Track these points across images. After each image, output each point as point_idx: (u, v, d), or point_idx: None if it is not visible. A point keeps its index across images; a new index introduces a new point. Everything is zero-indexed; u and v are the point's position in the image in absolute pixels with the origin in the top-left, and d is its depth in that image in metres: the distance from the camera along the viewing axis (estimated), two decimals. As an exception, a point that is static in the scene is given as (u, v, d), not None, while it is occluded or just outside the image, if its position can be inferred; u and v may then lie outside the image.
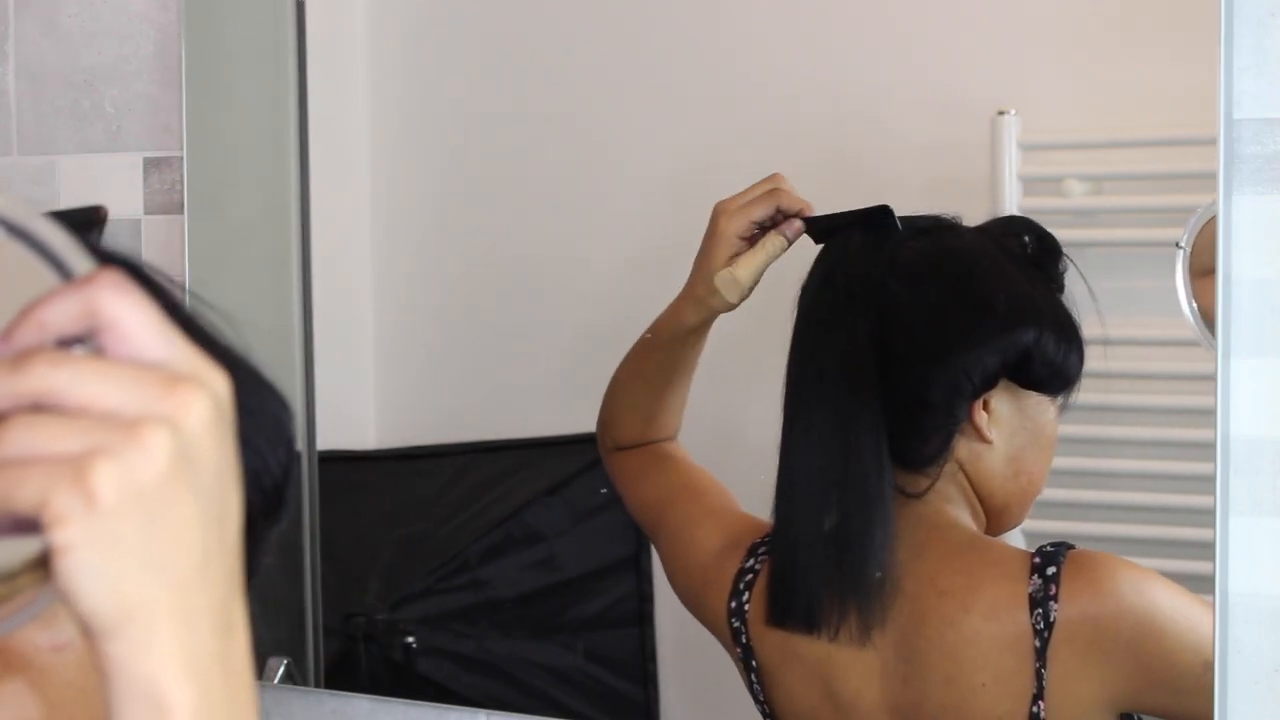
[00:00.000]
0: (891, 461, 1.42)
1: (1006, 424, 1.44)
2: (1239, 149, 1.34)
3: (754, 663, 1.50)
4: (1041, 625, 1.33)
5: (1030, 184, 1.73)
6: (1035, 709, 1.33)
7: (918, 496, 1.43)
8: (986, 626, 1.35)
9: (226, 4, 1.92)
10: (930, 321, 1.44)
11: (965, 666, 1.35)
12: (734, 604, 1.51)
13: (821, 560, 1.41)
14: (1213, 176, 1.39)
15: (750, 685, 1.51)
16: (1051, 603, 1.33)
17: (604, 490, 1.86)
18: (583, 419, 1.91)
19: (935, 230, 1.49)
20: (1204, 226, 1.42)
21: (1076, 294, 1.48)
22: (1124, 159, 1.73)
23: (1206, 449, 1.42)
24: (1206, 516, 1.41)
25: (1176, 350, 1.71)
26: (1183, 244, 1.43)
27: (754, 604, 1.49)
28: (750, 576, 1.50)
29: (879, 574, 1.38)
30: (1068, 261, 1.47)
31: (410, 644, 1.85)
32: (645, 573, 1.83)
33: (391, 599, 1.90)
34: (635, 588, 1.82)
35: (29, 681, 0.75)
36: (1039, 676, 1.33)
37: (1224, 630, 1.32)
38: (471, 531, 1.87)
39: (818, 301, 1.47)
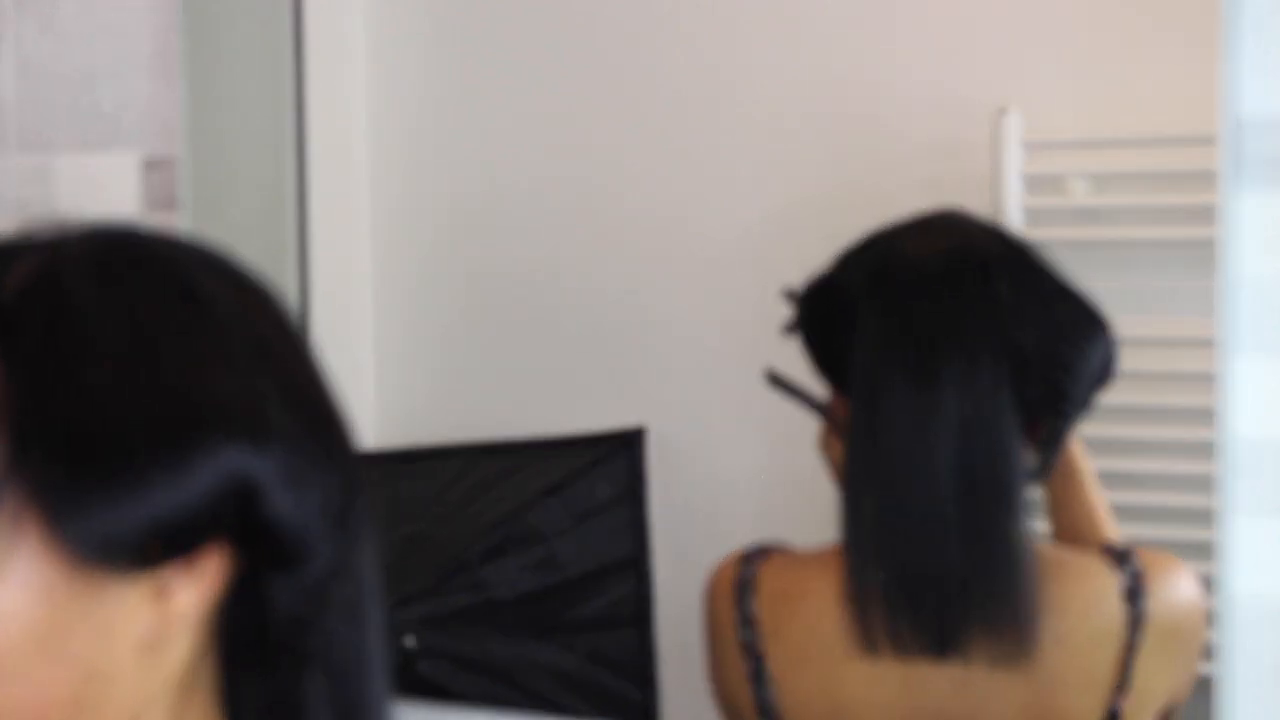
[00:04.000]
0: None
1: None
2: (1242, 148, 1.34)
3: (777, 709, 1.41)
4: (1133, 619, 1.33)
5: (1032, 182, 1.73)
6: (1116, 701, 1.33)
7: None
8: (1082, 624, 1.34)
9: (225, 3, 1.92)
10: (1057, 352, 1.37)
11: (1056, 664, 1.34)
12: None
13: (960, 583, 1.32)
14: (1214, 175, 1.39)
15: None
16: (1141, 598, 1.33)
17: (604, 490, 1.86)
18: (583, 419, 1.91)
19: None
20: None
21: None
22: (1126, 158, 1.73)
23: (1209, 449, 1.42)
24: (1209, 516, 1.41)
25: (1178, 350, 1.71)
26: None
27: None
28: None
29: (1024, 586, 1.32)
30: None
31: (410, 644, 1.85)
32: (645, 573, 1.82)
33: (391, 599, 1.89)
34: (635, 588, 1.82)
35: None
36: (1125, 669, 1.33)
37: (1225, 630, 1.32)
38: (471, 531, 1.87)
39: (940, 298, 1.33)
